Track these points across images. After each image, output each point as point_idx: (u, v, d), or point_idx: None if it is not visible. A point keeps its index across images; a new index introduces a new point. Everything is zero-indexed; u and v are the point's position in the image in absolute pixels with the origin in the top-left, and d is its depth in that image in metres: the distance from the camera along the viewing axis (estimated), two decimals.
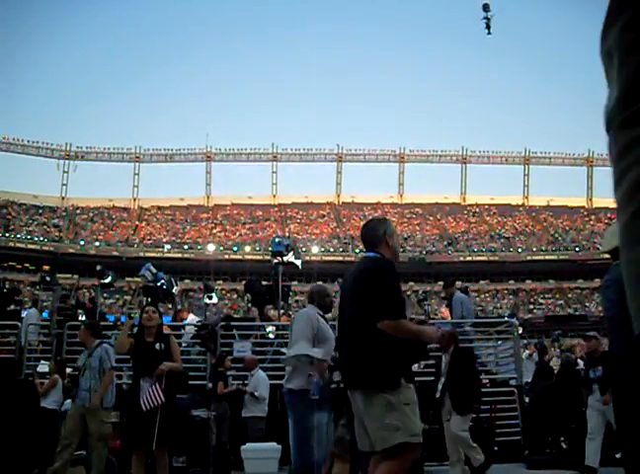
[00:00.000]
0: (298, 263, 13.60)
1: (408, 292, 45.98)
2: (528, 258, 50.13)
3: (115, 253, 47.76)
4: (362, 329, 3.68)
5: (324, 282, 39.26)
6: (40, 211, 53.11)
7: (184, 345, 10.63)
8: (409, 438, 3.52)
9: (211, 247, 48.62)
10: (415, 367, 8.08)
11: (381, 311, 3.62)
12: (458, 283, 30.17)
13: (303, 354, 5.10)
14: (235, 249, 50.17)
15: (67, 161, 56.86)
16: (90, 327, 7.10)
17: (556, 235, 53.34)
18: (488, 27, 30.93)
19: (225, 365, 9.31)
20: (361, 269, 3.95)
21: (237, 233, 53.38)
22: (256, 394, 8.77)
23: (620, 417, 3.21)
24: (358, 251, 51.32)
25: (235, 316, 25.04)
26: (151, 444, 5.68)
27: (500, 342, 11.52)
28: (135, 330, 6.21)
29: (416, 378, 9.09)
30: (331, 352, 5.29)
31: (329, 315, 5.79)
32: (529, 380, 11.33)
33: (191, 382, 8.98)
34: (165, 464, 5.91)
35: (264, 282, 13.74)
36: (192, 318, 12.14)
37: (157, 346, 5.93)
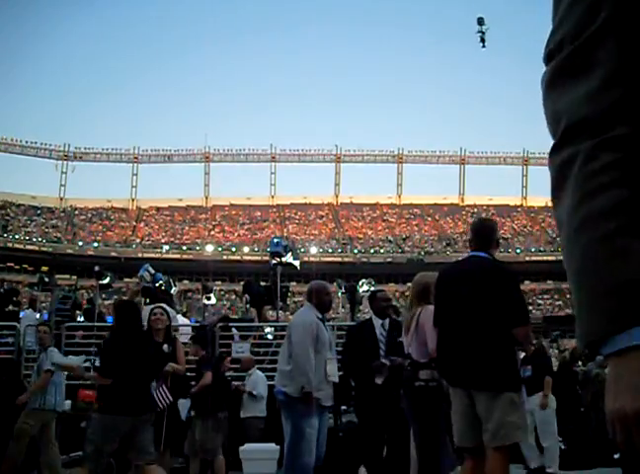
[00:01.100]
0: (297, 263, 13.59)
1: (407, 293, 45.98)
2: (527, 258, 50.19)
3: (113, 254, 47.72)
4: (490, 331, 3.70)
5: None
6: (39, 212, 53.07)
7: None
8: (525, 438, 3.76)
9: (210, 248, 48.63)
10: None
11: (521, 317, 3.73)
12: None
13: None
14: (234, 250, 50.17)
15: (65, 162, 56.85)
16: (50, 329, 7.11)
17: (555, 236, 53.37)
18: (483, 40, 31.14)
19: (223, 367, 9.30)
20: (482, 269, 3.90)
21: (236, 234, 53.38)
22: (254, 393, 8.76)
23: None
24: (356, 251, 51.38)
25: (234, 317, 25.02)
26: (157, 445, 5.69)
27: None
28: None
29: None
30: (327, 353, 5.26)
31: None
32: None
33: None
34: (167, 465, 5.90)
35: (262, 283, 13.74)
36: (180, 320, 12.13)
37: (165, 347, 5.91)
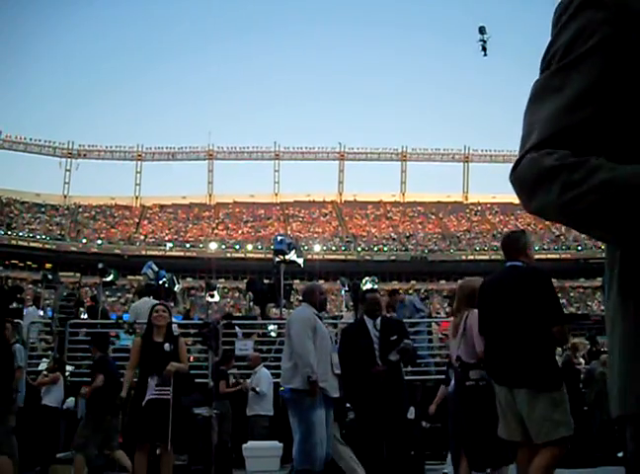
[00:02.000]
0: (300, 261, 13.62)
1: (410, 291, 45.96)
2: None
3: (117, 251, 47.80)
4: (532, 333, 3.92)
5: (326, 281, 39.25)
6: (43, 210, 53.17)
7: None
8: (570, 433, 3.84)
9: (213, 245, 48.64)
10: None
11: (557, 317, 3.99)
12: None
13: None
14: (237, 247, 50.19)
15: (69, 159, 56.92)
16: (12, 325, 7.19)
17: (558, 234, 53.27)
18: (484, 49, 31.26)
19: (228, 366, 9.32)
20: (520, 276, 4.16)
21: (239, 231, 53.41)
22: (257, 390, 8.79)
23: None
24: (360, 249, 51.35)
25: (237, 314, 25.04)
26: (160, 442, 5.70)
27: None
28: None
29: (420, 377, 9.13)
30: (329, 349, 5.31)
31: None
32: None
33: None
34: (171, 462, 5.91)
35: (266, 281, 13.76)
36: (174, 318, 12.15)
37: (166, 346, 5.89)
